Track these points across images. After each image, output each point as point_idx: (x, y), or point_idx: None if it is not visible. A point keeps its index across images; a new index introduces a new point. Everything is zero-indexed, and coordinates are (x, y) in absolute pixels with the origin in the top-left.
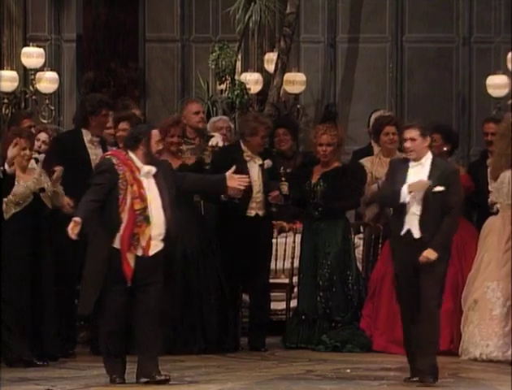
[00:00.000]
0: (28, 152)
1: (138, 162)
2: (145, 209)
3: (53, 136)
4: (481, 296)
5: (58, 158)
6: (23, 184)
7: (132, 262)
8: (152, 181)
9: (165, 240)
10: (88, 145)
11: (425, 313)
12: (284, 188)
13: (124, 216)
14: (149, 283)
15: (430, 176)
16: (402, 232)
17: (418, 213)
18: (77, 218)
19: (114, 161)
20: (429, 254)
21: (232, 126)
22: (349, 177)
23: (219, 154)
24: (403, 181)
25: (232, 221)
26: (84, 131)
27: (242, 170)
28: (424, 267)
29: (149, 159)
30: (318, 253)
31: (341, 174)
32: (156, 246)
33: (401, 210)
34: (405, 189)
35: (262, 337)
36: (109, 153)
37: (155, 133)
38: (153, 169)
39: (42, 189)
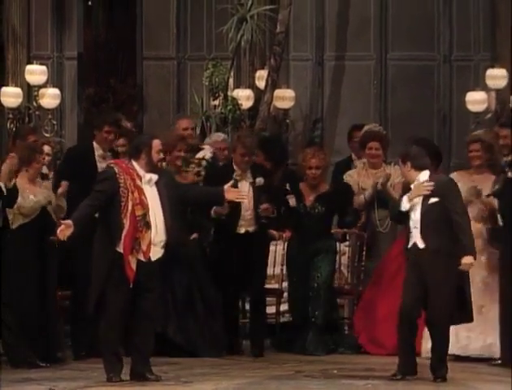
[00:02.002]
0: (40, 166)
1: (140, 171)
2: (145, 215)
3: (55, 149)
4: None
5: (68, 168)
6: (34, 199)
7: (133, 265)
8: (154, 189)
9: (165, 246)
10: (98, 159)
11: (436, 332)
12: (293, 200)
13: (126, 221)
14: (149, 289)
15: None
16: (409, 246)
17: (419, 225)
18: (68, 221)
19: (116, 170)
20: (466, 261)
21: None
22: (342, 197)
23: (212, 173)
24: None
25: (224, 238)
26: (95, 145)
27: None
28: (432, 286)
29: (150, 168)
30: (311, 266)
31: (334, 195)
32: (158, 252)
33: (407, 224)
34: (405, 198)
35: (259, 345)
36: (112, 162)
37: (156, 143)
38: (154, 177)
39: (49, 202)
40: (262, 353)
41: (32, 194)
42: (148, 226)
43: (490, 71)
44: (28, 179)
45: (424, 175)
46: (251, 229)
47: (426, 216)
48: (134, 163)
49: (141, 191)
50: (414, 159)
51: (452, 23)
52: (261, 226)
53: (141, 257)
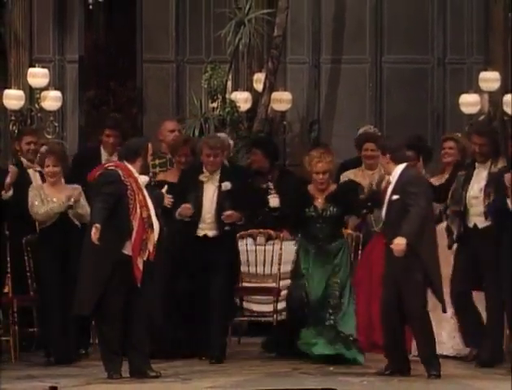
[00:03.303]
0: (51, 168)
1: (136, 173)
2: (149, 216)
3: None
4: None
5: (75, 173)
6: (48, 206)
7: (141, 266)
8: (145, 191)
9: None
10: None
11: (414, 325)
12: (275, 200)
13: (135, 223)
14: (144, 286)
15: (393, 190)
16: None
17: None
18: (98, 225)
19: (121, 172)
20: (396, 241)
21: (232, 142)
22: (350, 196)
23: (184, 174)
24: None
25: (183, 240)
26: (102, 150)
27: (197, 190)
28: (402, 280)
29: (144, 170)
30: (328, 271)
31: (341, 195)
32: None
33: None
34: None
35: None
36: (112, 164)
37: (150, 146)
38: (147, 179)
39: (70, 206)
40: (221, 357)
41: (52, 200)
42: (152, 227)
43: (483, 74)
44: (50, 184)
45: (400, 168)
46: (211, 233)
47: (388, 213)
48: (129, 166)
49: (143, 193)
50: (393, 152)
51: (446, 27)
52: (224, 232)
53: (146, 258)
